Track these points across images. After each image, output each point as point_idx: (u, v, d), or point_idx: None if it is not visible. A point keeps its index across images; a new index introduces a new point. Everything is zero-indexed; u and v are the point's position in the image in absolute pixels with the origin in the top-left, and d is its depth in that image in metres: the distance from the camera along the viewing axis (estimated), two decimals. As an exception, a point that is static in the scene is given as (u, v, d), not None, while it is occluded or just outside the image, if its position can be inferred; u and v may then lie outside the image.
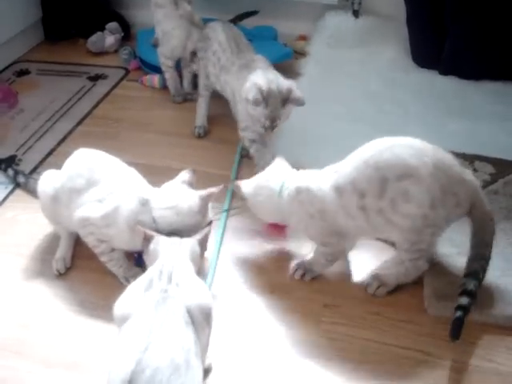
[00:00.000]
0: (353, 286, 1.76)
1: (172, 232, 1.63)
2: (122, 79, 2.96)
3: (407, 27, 2.84)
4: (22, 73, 3.05)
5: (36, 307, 1.73)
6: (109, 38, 3.20)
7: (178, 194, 1.70)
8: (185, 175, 1.78)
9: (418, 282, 1.71)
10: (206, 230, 1.62)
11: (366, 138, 2.22)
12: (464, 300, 1.53)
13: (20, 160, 2.36)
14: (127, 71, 3.03)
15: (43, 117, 2.66)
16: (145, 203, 1.69)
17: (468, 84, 2.64)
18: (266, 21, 3.01)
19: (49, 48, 3.29)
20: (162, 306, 1.32)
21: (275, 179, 1.78)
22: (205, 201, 1.69)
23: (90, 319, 1.68)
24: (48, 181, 1.86)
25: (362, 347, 1.58)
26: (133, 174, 1.79)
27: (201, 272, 1.62)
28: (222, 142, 2.37)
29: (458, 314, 1.51)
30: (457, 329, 1.50)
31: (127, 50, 3.09)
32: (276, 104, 2.00)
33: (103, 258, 1.78)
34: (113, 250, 1.76)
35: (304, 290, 1.75)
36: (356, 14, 3.04)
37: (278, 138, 2.28)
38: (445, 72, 2.71)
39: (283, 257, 1.87)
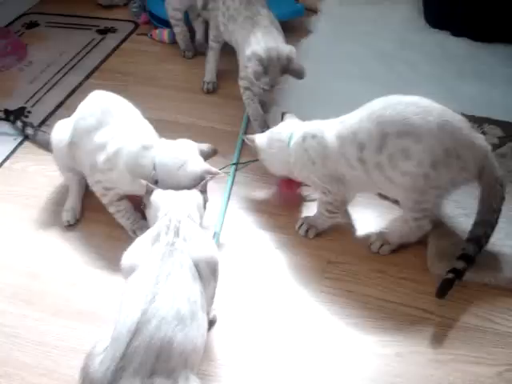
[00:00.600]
0: (357, 243, 1.78)
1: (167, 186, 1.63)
2: (131, 33, 2.94)
3: (420, -13, 2.79)
4: (31, 25, 3.04)
5: (45, 257, 1.77)
6: (119, -10, 3.17)
7: (188, 153, 1.70)
8: (206, 147, 1.75)
9: (422, 242, 1.72)
10: (205, 181, 1.62)
11: (377, 97, 2.22)
12: (460, 264, 1.55)
13: (29, 112, 2.37)
14: (137, 25, 3.01)
15: (52, 69, 2.65)
16: (148, 147, 1.68)
17: (480, 46, 2.60)
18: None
19: (58, 0, 3.25)
20: (168, 259, 1.33)
21: (286, 131, 1.80)
22: (204, 173, 1.65)
23: (97, 270, 1.72)
24: (61, 128, 1.87)
25: (363, 304, 1.60)
26: (143, 121, 1.79)
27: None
28: (232, 98, 2.35)
29: (450, 275, 1.54)
30: (443, 289, 1.53)
31: (137, 3, 3.06)
32: (275, 72, 2.00)
33: (111, 209, 1.80)
34: (120, 199, 1.78)
35: (309, 246, 1.77)
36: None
37: (288, 96, 2.28)
38: (457, 33, 2.67)
39: (289, 213, 1.89)
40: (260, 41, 2.02)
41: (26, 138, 2.21)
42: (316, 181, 1.74)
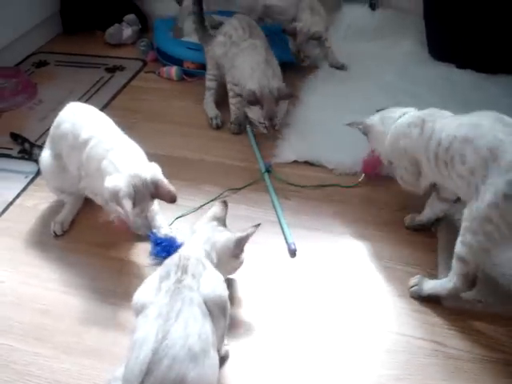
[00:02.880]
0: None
1: None
2: (139, 71, 2.99)
3: (424, 20, 2.83)
4: (41, 64, 3.09)
5: (55, 294, 1.77)
6: (126, 29, 3.24)
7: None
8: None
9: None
10: (249, 231, 1.59)
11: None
12: None
13: (40, 148, 2.39)
14: (145, 63, 3.06)
15: (62, 107, 2.67)
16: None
17: (485, 77, 2.63)
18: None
19: (67, 40, 3.32)
20: (178, 296, 1.34)
21: (398, 111, 1.89)
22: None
23: (108, 306, 1.72)
24: (44, 153, 1.99)
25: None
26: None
27: (231, 269, 1.64)
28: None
29: None
30: None
31: (145, 41, 3.12)
32: (270, 103, 2.23)
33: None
34: None
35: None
36: (373, 6, 3.05)
37: (294, 130, 2.33)
38: (461, 65, 2.70)
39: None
40: (254, 79, 2.28)
41: (35, 161, 2.23)
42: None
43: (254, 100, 2.24)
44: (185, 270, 1.40)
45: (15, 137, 2.43)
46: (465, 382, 1.47)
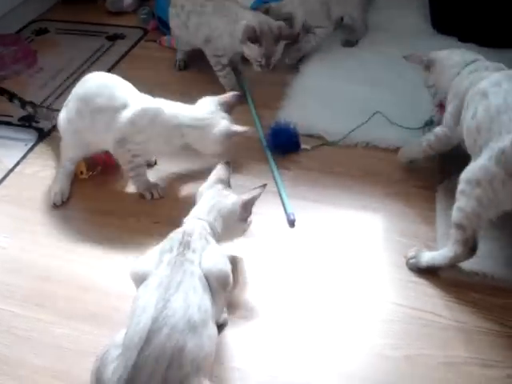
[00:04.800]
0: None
1: None
2: (140, 39, 2.97)
3: (427, -8, 2.81)
4: (41, 32, 3.07)
5: (56, 261, 1.78)
6: (127, -3, 3.20)
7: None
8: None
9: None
10: (256, 192, 1.60)
11: (385, 102, 2.25)
12: None
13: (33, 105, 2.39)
14: (146, 31, 3.03)
15: (62, 75, 2.68)
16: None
17: (487, 51, 2.58)
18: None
19: (68, 7, 3.29)
20: (179, 268, 1.35)
21: (467, 54, 1.91)
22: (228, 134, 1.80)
23: (110, 274, 1.73)
24: (64, 116, 1.95)
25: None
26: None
27: (238, 233, 1.64)
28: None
29: None
30: None
31: (146, 9, 3.09)
32: (270, 42, 2.21)
33: (131, 173, 1.93)
34: (141, 165, 1.95)
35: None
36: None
37: (292, 101, 2.35)
38: (464, 39, 2.68)
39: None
40: (250, 18, 2.25)
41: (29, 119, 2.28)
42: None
43: (253, 37, 2.20)
44: (187, 246, 1.40)
45: (2, 92, 2.34)
46: (461, 351, 1.49)
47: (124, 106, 1.87)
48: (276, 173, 2.04)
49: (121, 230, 1.86)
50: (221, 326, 1.52)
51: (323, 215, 1.89)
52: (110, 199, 1.99)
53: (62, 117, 1.94)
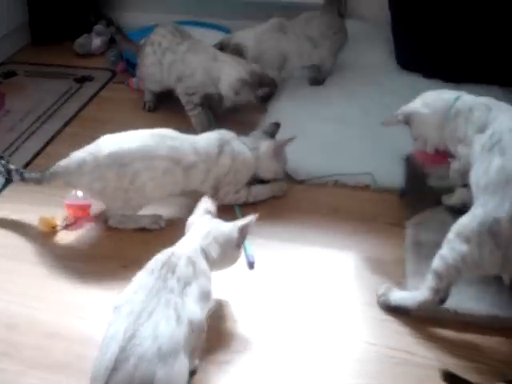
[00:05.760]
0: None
1: None
2: (108, 81, 2.97)
3: (391, 30, 2.86)
4: (9, 74, 3.05)
5: (22, 309, 1.74)
6: (96, 40, 3.21)
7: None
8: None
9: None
10: (251, 218, 1.60)
11: (352, 139, 2.28)
12: None
13: (8, 161, 2.36)
14: (114, 73, 3.03)
15: (30, 118, 2.66)
16: None
17: (451, 87, 2.63)
18: (238, 23, 2.97)
19: (36, 50, 3.28)
20: (154, 296, 1.32)
21: (447, 93, 1.84)
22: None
23: (77, 321, 1.69)
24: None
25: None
26: None
27: (232, 260, 1.63)
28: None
29: None
30: None
31: (114, 52, 3.09)
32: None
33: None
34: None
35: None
36: (341, 16, 3.06)
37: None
38: (428, 75, 2.74)
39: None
40: (233, 68, 2.31)
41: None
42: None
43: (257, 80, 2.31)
44: (172, 270, 1.38)
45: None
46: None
47: None
48: (238, 211, 2.03)
49: (87, 276, 1.83)
50: (191, 373, 1.48)
51: (293, 254, 1.88)
52: (77, 244, 1.96)
53: None
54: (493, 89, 2.61)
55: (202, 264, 1.47)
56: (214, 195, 1.90)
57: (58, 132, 2.55)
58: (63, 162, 1.91)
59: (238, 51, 2.54)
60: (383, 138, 2.22)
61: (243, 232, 1.58)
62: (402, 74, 2.79)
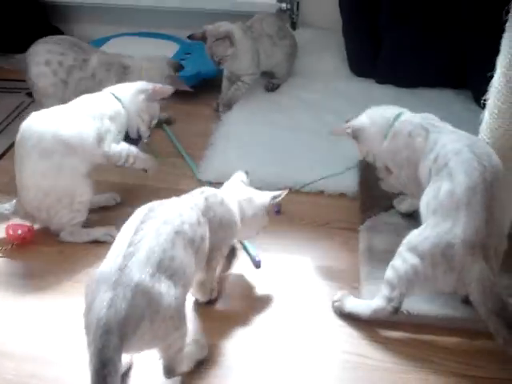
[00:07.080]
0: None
1: None
2: (62, 94, 2.92)
3: (343, 37, 2.89)
4: (-41, 90, 2.99)
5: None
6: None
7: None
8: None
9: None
10: (282, 191, 1.70)
11: (306, 145, 2.28)
12: None
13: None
14: (67, 86, 2.99)
15: (-20, 135, 2.61)
16: None
17: (404, 92, 2.69)
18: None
19: (-14, 64, 3.22)
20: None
21: (389, 111, 1.84)
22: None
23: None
24: None
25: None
26: None
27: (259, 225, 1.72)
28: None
29: None
30: None
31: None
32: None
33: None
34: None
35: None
36: (294, 25, 3.08)
37: (215, 146, 2.39)
38: (381, 81, 2.77)
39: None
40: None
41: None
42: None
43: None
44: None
45: None
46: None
47: None
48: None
49: (41, 292, 1.79)
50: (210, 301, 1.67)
51: (248, 262, 1.88)
52: (29, 260, 1.91)
53: None
54: (445, 91, 2.67)
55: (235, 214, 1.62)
56: None
57: (10, 147, 2.49)
58: None
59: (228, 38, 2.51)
60: (335, 146, 2.24)
61: (276, 200, 1.69)
62: (355, 81, 2.82)
